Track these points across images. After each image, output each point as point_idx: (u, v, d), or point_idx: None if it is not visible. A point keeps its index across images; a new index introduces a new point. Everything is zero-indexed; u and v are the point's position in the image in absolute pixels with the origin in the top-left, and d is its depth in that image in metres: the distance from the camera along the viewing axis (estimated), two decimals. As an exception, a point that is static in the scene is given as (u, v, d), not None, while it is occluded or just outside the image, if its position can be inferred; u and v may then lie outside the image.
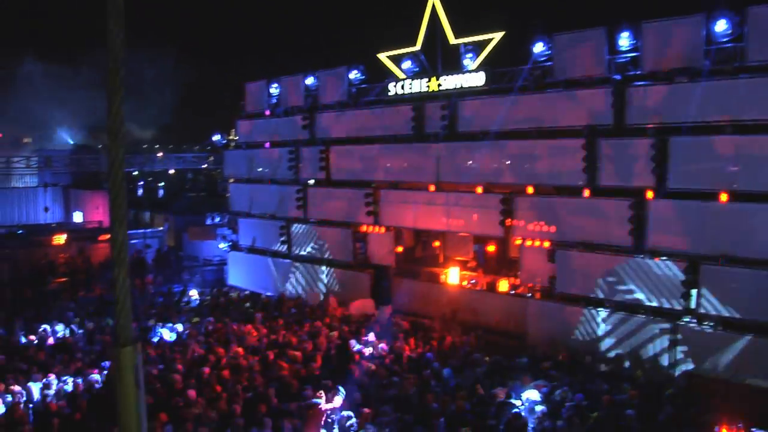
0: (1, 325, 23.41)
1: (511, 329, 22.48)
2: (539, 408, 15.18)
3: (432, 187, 25.32)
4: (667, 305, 19.09)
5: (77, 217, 45.99)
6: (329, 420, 14.10)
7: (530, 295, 22.63)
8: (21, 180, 49.60)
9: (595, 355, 19.77)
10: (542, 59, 22.19)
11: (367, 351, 19.92)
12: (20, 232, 38.49)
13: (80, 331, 22.68)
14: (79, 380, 17.13)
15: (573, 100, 21.19)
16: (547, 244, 21.98)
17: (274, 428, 13.60)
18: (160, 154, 50.79)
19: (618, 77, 20.34)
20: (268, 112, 32.55)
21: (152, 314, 24.70)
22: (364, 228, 27.77)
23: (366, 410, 14.29)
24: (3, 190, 46.70)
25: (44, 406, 15.19)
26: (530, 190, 22.72)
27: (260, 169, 32.65)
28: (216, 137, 36.33)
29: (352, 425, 13.72)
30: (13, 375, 17.29)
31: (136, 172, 50.58)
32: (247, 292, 30.43)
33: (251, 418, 14.11)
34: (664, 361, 18.82)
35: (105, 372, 17.77)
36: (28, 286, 31.39)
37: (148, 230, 40.42)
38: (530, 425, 14.40)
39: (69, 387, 16.68)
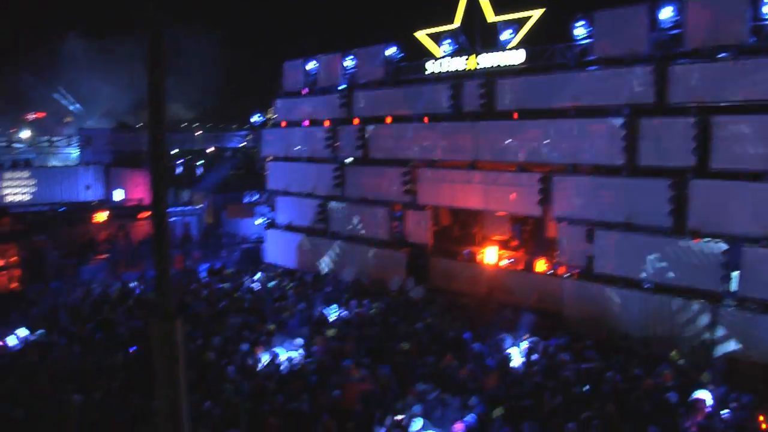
0: (43, 303, 23.94)
1: (548, 309, 22.41)
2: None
3: (469, 166, 25.25)
4: (707, 287, 18.89)
5: (118, 195, 46.63)
6: (369, 398, 14.24)
7: (568, 275, 22.52)
8: (63, 159, 50.51)
9: (631, 337, 19.67)
10: (582, 37, 21.95)
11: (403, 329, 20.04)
12: (62, 209, 39.19)
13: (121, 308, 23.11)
14: (120, 355, 17.53)
15: (613, 78, 20.93)
16: (585, 224, 21.84)
17: (312, 404, 13.77)
18: (198, 133, 51.26)
19: (660, 55, 20.05)
20: (305, 91, 32.63)
21: (192, 291, 25.07)
22: (401, 206, 27.82)
23: (406, 389, 14.43)
24: (45, 168, 47.55)
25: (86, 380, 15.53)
26: (569, 169, 22.56)
27: (298, 148, 32.80)
28: (254, 116, 36.55)
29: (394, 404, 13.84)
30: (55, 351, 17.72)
31: (175, 151, 51.10)
32: (283, 270, 30.71)
33: (288, 395, 14.31)
34: (703, 344, 18.64)
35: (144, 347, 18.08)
36: (71, 263, 32.04)
37: (188, 208, 40.86)
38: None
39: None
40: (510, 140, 23.79)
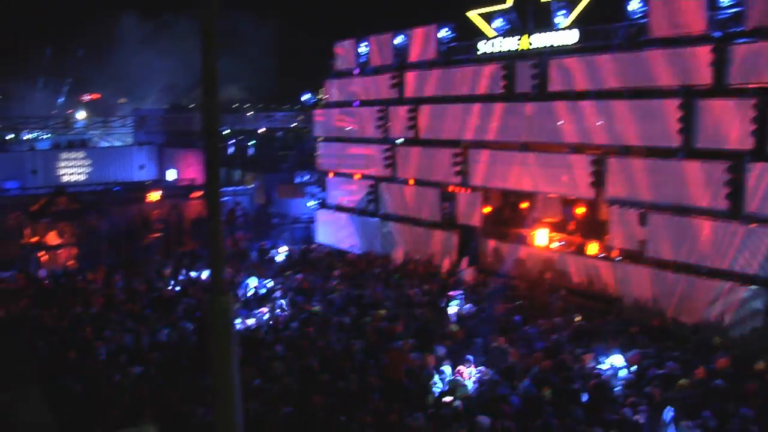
0: (101, 278, 24.57)
1: (599, 292, 22.29)
2: (623, 373, 15.12)
3: (522, 148, 25.14)
4: (761, 273, 18.57)
5: (170, 174, 47.41)
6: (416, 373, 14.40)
7: (619, 258, 22.33)
8: (117, 139, 51.48)
9: (683, 322, 19.46)
10: (638, 16, 21.62)
11: (452, 311, 20.17)
12: (116, 189, 40.02)
13: (175, 285, 23.62)
14: (174, 331, 17.97)
15: (669, 58, 20.58)
16: (638, 206, 21.59)
17: (360, 384, 13.97)
18: (250, 113, 51.74)
19: (718, 34, 19.67)
20: (357, 71, 32.75)
21: (243, 269, 25.49)
22: (451, 187, 27.82)
23: (459, 368, 14.57)
24: (100, 149, 48.54)
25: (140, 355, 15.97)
26: (622, 151, 22.30)
27: (349, 128, 32.97)
28: (305, 96, 36.80)
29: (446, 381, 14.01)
30: (110, 327, 18.22)
31: (227, 131, 51.69)
32: (333, 250, 31.01)
33: (336, 373, 14.53)
34: (757, 330, 18.35)
35: (197, 324, 18.50)
36: (124, 242, 32.77)
37: (239, 188, 41.35)
38: (614, 390, 14.35)
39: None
40: (562, 122, 23.59)
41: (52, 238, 30.34)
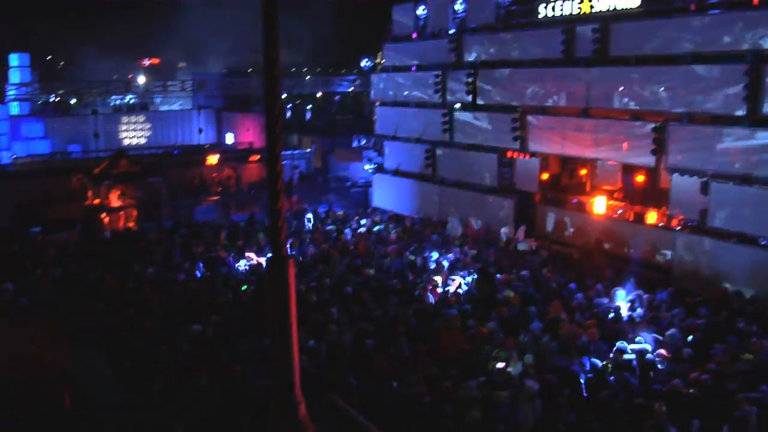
0: (160, 239, 25.17)
1: (657, 262, 22.08)
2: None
3: (581, 113, 24.85)
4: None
5: (229, 138, 48.04)
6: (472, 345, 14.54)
7: (679, 228, 22.05)
8: (177, 103, 52.28)
9: (744, 295, 19.14)
10: (704, -22, 21.10)
11: (506, 276, 20.20)
12: (176, 152, 40.79)
13: (232, 250, 24.07)
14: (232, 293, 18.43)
15: (736, 22, 20.07)
16: (700, 175, 21.22)
17: (411, 350, 14.16)
18: (308, 78, 52.02)
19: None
20: (414, 35, 32.63)
21: (300, 233, 25.87)
22: (510, 153, 27.70)
23: (509, 339, 14.65)
24: (160, 112, 49.35)
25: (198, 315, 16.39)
26: (685, 118, 21.87)
27: (406, 93, 32.95)
28: (363, 61, 36.83)
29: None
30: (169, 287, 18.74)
31: (284, 95, 52.06)
32: (390, 215, 31.21)
33: (388, 338, 14.75)
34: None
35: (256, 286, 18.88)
36: (184, 204, 33.48)
37: (296, 151, 41.78)
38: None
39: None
40: (624, 87, 23.24)
41: (114, 200, 31.12)
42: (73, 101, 53.86)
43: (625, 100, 23.24)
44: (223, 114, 49.34)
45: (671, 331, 15.12)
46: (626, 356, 13.87)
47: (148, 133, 46.22)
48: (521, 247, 24.51)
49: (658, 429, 10.88)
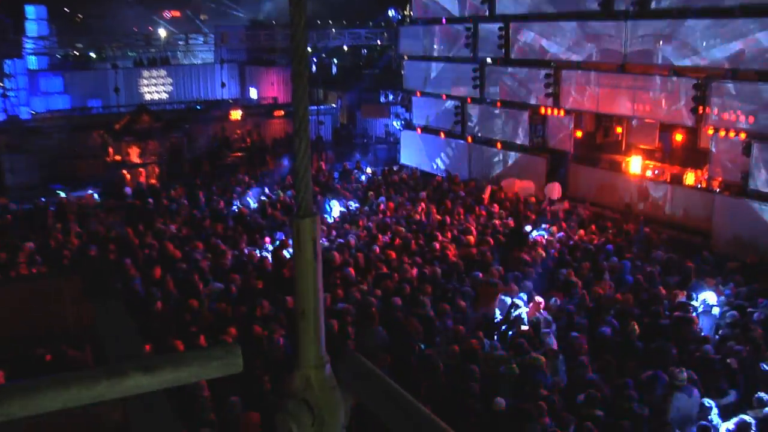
0: (183, 196, 25.39)
1: (695, 225, 21.95)
2: (716, 311, 14.95)
3: (618, 69, 24.54)
4: None
5: (252, 93, 48.07)
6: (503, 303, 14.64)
7: (719, 190, 21.85)
8: (199, 57, 52.28)
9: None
10: None
11: (540, 237, 20.21)
12: (198, 107, 40.94)
13: (255, 205, 24.25)
14: (256, 251, 18.62)
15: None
16: (743, 135, 20.93)
17: (436, 309, 14.28)
18: (333, 30, 51.71)
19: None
20: (446, -14, 32.31)
21: (326, 190, 25.98)
22: (542, 110, 27.51)
23: (538, 299, 14.71)
24: (182, 66, 49.41)
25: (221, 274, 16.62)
26: (728, 74, 21.50)
27: (436, 46, 32.72)
28: (391, 12, 36.57)
29: (520, 314, 14.18)
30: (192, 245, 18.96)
31: (309, 49, 51.85)
32: (418, 172, 31.23)
33: (412, 298, 14.89)
34: None
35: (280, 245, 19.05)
36: (206, 160, 33.69)
37: (322, 107, 41.76)
38: (706, 329, 14.24)
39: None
40: (663, 42, 22.89)
41: (135, 157, 31.39)
42: (92, 55, 54.02)
43: (665, 55, 22.90)
44: (246, 68, 49.30)
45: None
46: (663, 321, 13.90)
47: (169, 88, 46.34)
48: (553, 204, 24.48)
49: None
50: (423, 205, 23.51)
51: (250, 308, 14.20)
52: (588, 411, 10.57)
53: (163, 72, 46.66)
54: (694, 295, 15.40)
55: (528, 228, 20.83)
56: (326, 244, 19.01)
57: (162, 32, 54.16)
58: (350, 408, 2.49)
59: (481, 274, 16.08)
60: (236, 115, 37.35)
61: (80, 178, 30.38)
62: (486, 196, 25.13)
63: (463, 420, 10.32)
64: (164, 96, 45.98)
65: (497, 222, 21.67)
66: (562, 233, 20.48)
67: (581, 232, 20.84)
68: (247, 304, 14.39)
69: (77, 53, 52.53)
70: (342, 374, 2.53)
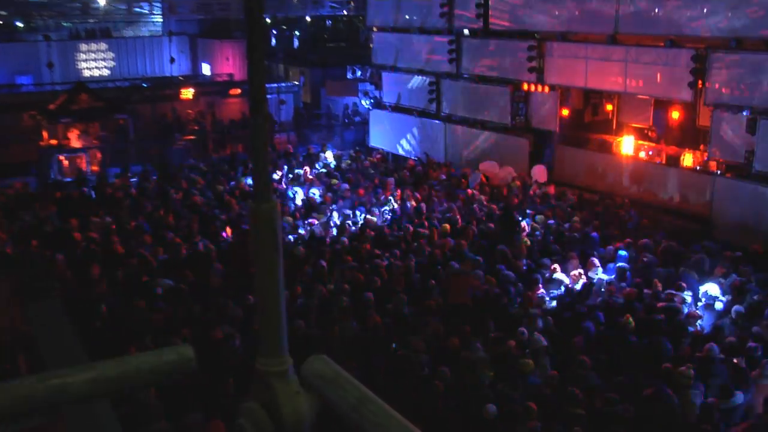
0: (128, 184, 25.21)
1: (694, 211, 22.16)
2: (719, 306, 15.12)
3: (608, 40, 24.65)
4: None
5: (205, 69, 47.80)
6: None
7: (720, 172, 22.07)
8: (144, 28, 51.82)
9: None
10: None
11: (526, 225, 20.35)
12: (144, 85, 40.55)
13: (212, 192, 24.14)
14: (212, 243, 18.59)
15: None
16: (746, 112, 21.07)
17: (412, 302, 14.36)
18: (296, -1, 51.57)
19: None
20: (418, -51, 32.28)
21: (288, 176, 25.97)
22: (525, 86, 27.59)
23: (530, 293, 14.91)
24: (125, 39, 48.93)
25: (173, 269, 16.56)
26: (731, 44, 21.64)
27: (408, 17, 32.67)
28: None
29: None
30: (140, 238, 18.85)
31: (268, 20, 51.62)
32: (389, 156, 31.24)
33: (385, 292, 14.95)
34: None
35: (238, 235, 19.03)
36: (155, 144, 33.42)
37: (282, 84, 41.58)
38: (708, 325, 14.41)
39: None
40: (658, 9, 23.03)
41: (74, 141, 31.05)
42: (19, 25, 53.19)
43: (661, 23, 23.00)
44: (198, 41, 48.99)
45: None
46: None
47: (111, 64, 45.92)
48: (537, 189, 24.64)
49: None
50: (399, 191, 23.53)
51: (205, 307, 14.16)
52: (570, 410, 10.75)
53: (103, 45, 46.19)
54: (691, 288, 15.57)
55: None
56: (289, 234, 19.04)
57: (101, 0, 53.60)
58: (316, 414, 2.50)
59: (458, 265, 16.18)
60: (188, 93, 37.10)
61: (9, 165, 29.97)
62: (467, 182, 25.26)
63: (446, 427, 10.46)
64: (105, 72, 45.57)
65: (476, 208, 21.81)
66: (552, 221, 20.57)
67: (576, 218, 20.81)
68: (201, 303, 14.35)
69: (2, 23, 51.67)
70: (306, 377, 2.54)
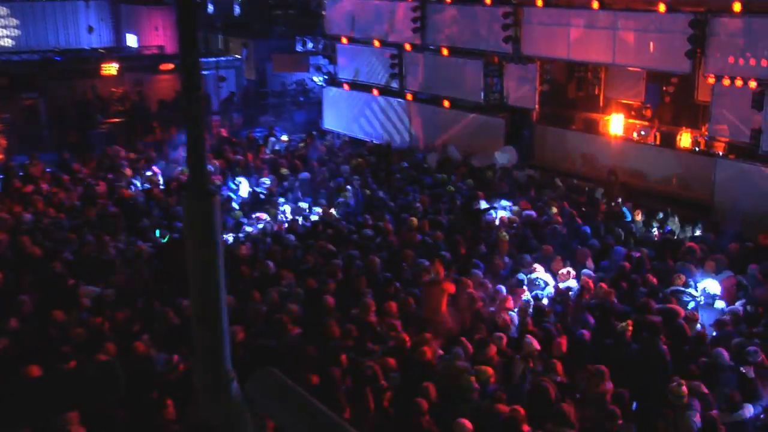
0: (41, 175, 24.95)
1: (693, 197, 22.34)
2: (720, 304, 15.28)
3: (595, 4, 24.80)
4: None
5: (131, 40, 47.30)
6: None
7: (722, 153, 22.26)
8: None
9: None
10: None
11: (501, 215, 20.40)
12: (57, 59, 39.93)
13: (139, 185, 23.98)
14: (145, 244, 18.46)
15: None
16: (752, 84, 21.12)
17: (378, 303, 14.38)
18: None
19: None
20: None
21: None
22: (498, 59, 27.66)
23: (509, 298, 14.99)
24: (31, 3, 48.10)
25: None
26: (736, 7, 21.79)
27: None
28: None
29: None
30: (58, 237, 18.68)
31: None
32: (346, 139, 31.22)
33: (349, 293, 14.95)
34: None
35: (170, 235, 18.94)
36: (73, 128, 33.02)
37: (222, 58, 41.32)
38: (708, 322, 14.54)
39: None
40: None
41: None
42: None
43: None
44: (121, 7, 48.43)
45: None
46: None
47: (15, 32, 45.12)
48: (500, 161, 24.80)
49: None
50: (357, 180, 23.56)
51: (134, 317, 14.06)
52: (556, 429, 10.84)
53: (4, 10, 45.28)
54: (689, 283, 15.71)
55: (483, 205, 20.99)
56: (231, 233, 19.00)
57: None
58: (264, 433, 2.49)
59: (427, 262, 16.17)
60: (110, 69, 36.71)
61: None
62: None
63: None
64: (8, 43, 44.69)
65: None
66: (533, 211, 20.60)
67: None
68: (129, 312, 14.24)
69: None
70: (254, 393, 2.51)
